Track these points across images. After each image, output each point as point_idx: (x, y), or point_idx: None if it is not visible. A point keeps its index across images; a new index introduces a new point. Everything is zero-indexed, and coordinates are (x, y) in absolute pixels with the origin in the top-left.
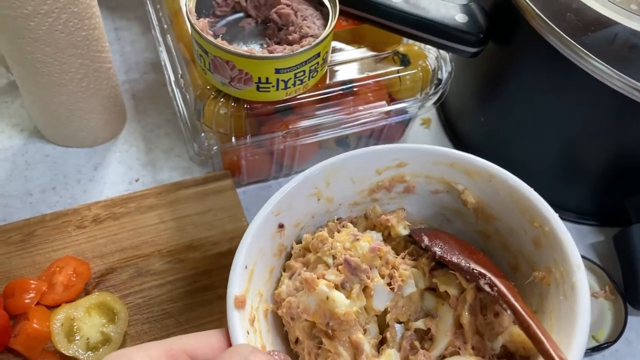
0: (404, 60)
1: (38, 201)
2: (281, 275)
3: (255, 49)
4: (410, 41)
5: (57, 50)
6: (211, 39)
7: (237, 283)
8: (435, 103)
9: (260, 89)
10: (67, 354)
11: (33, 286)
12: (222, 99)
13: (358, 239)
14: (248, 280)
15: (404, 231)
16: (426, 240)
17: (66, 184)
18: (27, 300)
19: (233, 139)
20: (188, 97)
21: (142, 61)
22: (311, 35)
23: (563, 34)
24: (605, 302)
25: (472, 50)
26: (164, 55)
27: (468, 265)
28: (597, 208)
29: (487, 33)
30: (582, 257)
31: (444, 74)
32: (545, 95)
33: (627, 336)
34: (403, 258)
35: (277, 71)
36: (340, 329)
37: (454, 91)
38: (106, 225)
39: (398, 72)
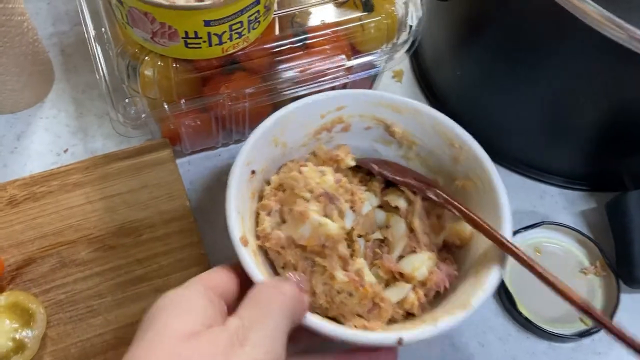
0: (367, 5)
1: None
2: (258, 215)
3: None
4: None
5: None
6: None
7: (236, 226)
8: (407, 52)
9: (190, 45)
10: None
11: None
12: (146, 57)
13: (325, 174)
14: (241, 224)
15: (351, 162)
16: (376, 167)
17: None
18: None
19: (165, 105)
20: (111, 54)
21: (72, 10)
22: None
23: None
24: (596, 278)
25: None
26: (82, 6)
27: (415, 182)
28: (588, 171)
29: None
30: (570, 228)
31: (414, 20)
32: (532, 44)
33: (619, 317)
34: (357, 184)
35: (207, 24)
36: (333, 247)
37: (428, 39)
38: (24, 208)
39: (360, 20)
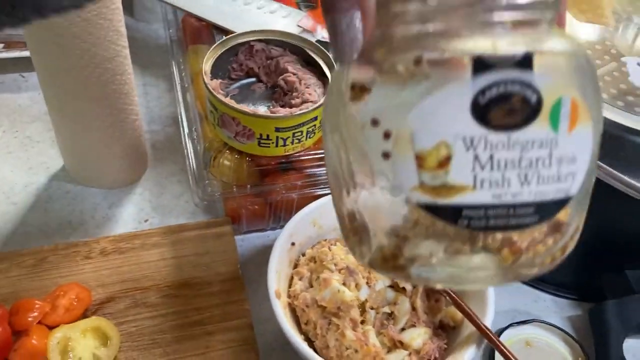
0: None
1: (54, 232)
2: (291, 279)
3: (262, 109)
4: None
5: (90, 100)
6: (221, 97)
7: (273, 281)
8: None
9: (261, 144)
10: None
11: (37, 306)
12: (227, 151)
13: (349, 253)
14: (277, 282)
15: None
16: None
17: (82, 219)
18: (29, 319)
19: (234, 188)
20: (199, 148)
21: (164, 115)
22: (311, 101)
23: None
24: None
25: None
26: (181, 110)
27: None
28: (576, 283)
29: None
30: (558, 328)
31: None
32: None
33: None
34: None
35: (277, 129)
36: (347, 310)
37: None
38: (111, 258)
39: None
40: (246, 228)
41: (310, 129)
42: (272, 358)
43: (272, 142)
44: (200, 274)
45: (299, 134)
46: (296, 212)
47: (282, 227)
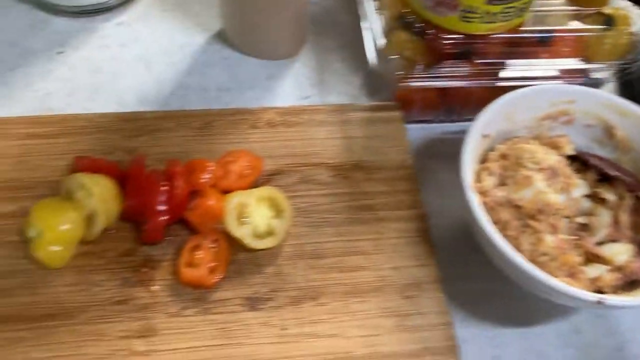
0: (608, 21)
1: (213, 98)
2: (478, 176)
3: None
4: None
5: None
6: None
7: (469, 172)
8: (631, 73)
9: (464, 19)
10: (235, 235)
11: (210, 168)
12: (418, 25)
13: (548, 153)
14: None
15: (571, 151)
16: (592, 160)
17: (240, 87)
18: (203, 180)
19: (414, 67)
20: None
21: None
22: None
23: None
24: None
25: None
26: None
27: (631, 179)
28: None
29: None
30: None
31: None
32: None
33: None
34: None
35: (489, 1)
36: (548, 214)
37: None
38: (279, 130)
39: (601, 32)
40: (414, 117)
41: (524, 5)
42: (443, 254)
43: (478, 17)
44: (370, 158)
45: (510, 9)
46: (472, 104)
47: (452, 120)
